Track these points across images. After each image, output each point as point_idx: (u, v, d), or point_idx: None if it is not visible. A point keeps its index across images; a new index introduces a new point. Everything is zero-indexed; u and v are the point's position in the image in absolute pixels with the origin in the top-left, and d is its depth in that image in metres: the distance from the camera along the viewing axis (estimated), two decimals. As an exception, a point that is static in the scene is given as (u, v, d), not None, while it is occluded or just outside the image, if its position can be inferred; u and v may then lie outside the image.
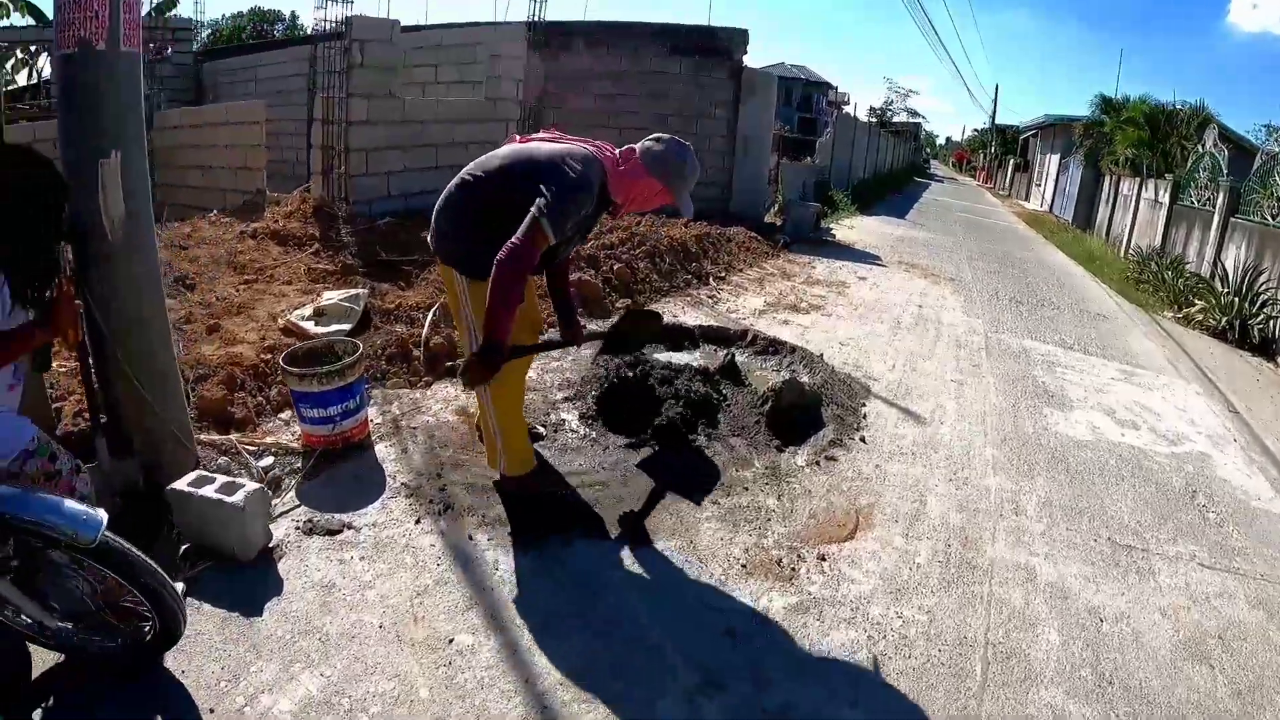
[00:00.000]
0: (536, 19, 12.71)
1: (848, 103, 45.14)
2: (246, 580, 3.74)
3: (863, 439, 5.66)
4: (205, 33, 41.82)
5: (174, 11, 24.37)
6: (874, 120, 48.07)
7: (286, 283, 7.54)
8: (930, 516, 4.77)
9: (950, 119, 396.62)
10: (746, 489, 4.80)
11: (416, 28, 16.05)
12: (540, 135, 4.24)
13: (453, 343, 6.57)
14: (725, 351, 6.69)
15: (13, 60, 24.43)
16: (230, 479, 4.04)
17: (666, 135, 4.14)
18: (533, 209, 3.63)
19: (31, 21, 21.67)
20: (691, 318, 8.32)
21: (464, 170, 4.10)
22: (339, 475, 4.74)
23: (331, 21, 9.59)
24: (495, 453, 4.38)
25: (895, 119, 58.32)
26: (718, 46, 15.70)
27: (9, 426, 3.04)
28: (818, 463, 5.20)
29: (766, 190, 17.12)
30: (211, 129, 12.23)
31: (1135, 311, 12.96)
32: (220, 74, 20.20)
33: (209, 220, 9.86)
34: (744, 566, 4.05)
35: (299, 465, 4.89)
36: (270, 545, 4.01)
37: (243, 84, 18.71)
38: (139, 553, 2.84)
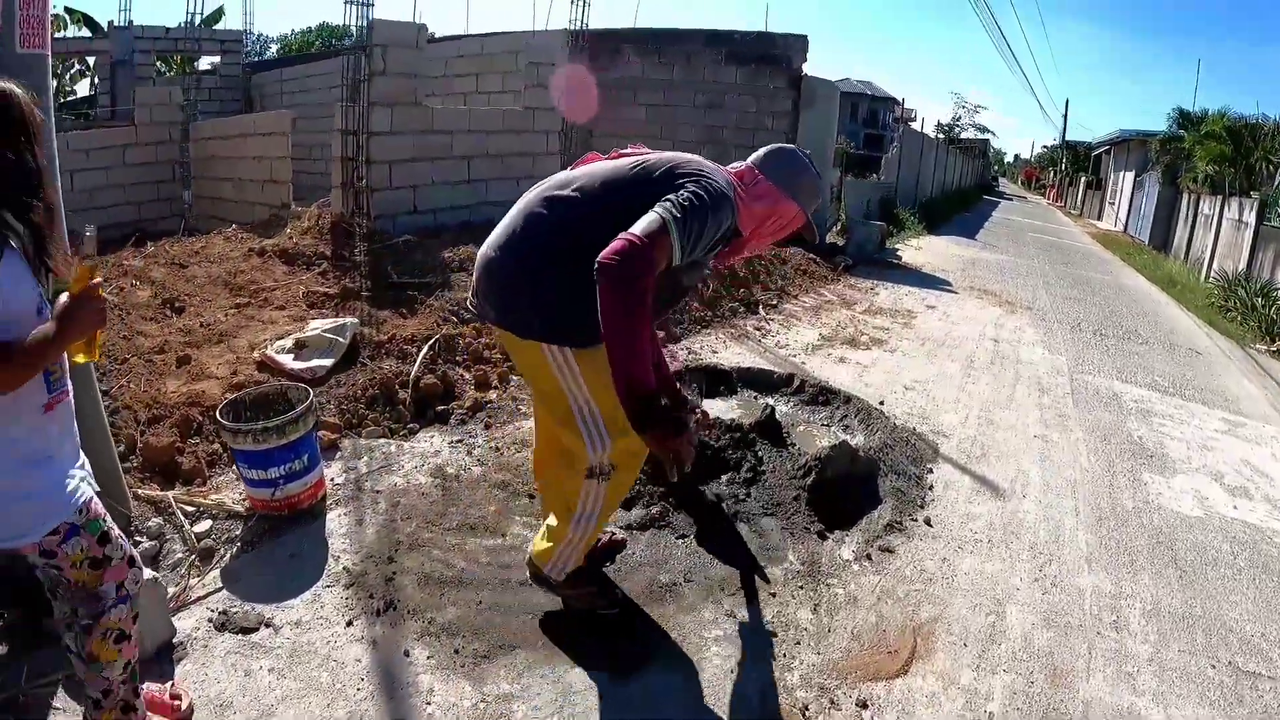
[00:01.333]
0: (581, 26, 11.83)
1: (914, 118, 43.86)
2: None
3: (927, 521, 4.57)
4: (274, 48, 41.76)
5: (222, 23, 24.48)
6: (941, 136, 46.53)
7: (280, 307, 6.75)
8: (1009, 635, 3.69)
9: (1019, 134, 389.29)
10: (774, 594, 3.76)
11: (457, 37, 15.30)
12: (632, 150, 3.12)
13: (447, 381, 5.70)
14: (764, 403, 5.56)
15: (71, 71, 24.74)
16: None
17: (783, 145, 3.23)
18: (658, 207, 2.62)
19: (88, 33, 21.80)
20: (732, 355, 7.35)
21: (536, 193, 2.99)
22: (276, 550, 3.95)
23: (354, 25, 8.78)
24: (555, 552, 3.25)
25: (963, 135, 56.57)
26: (776, 54, 14.61)
27: (48, 482, 2.25)
28: (869, 556, 4.12)
29: (828, 208, 15.96)
30: (240, 140, 11.61)
31: (1230, 346, 11.65)
32: (267, 86, 19.78)
33: (224, 235, 9.17)
34: (759, 720, 3.02)
35: (239, 532, 4.08)
36: (172, 641, 3.28)
37: (288, 95, 18.21)
38: None
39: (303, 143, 15.82)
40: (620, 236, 2.50)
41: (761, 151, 3.21)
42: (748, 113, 14.76)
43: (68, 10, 24.22)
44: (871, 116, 58.87)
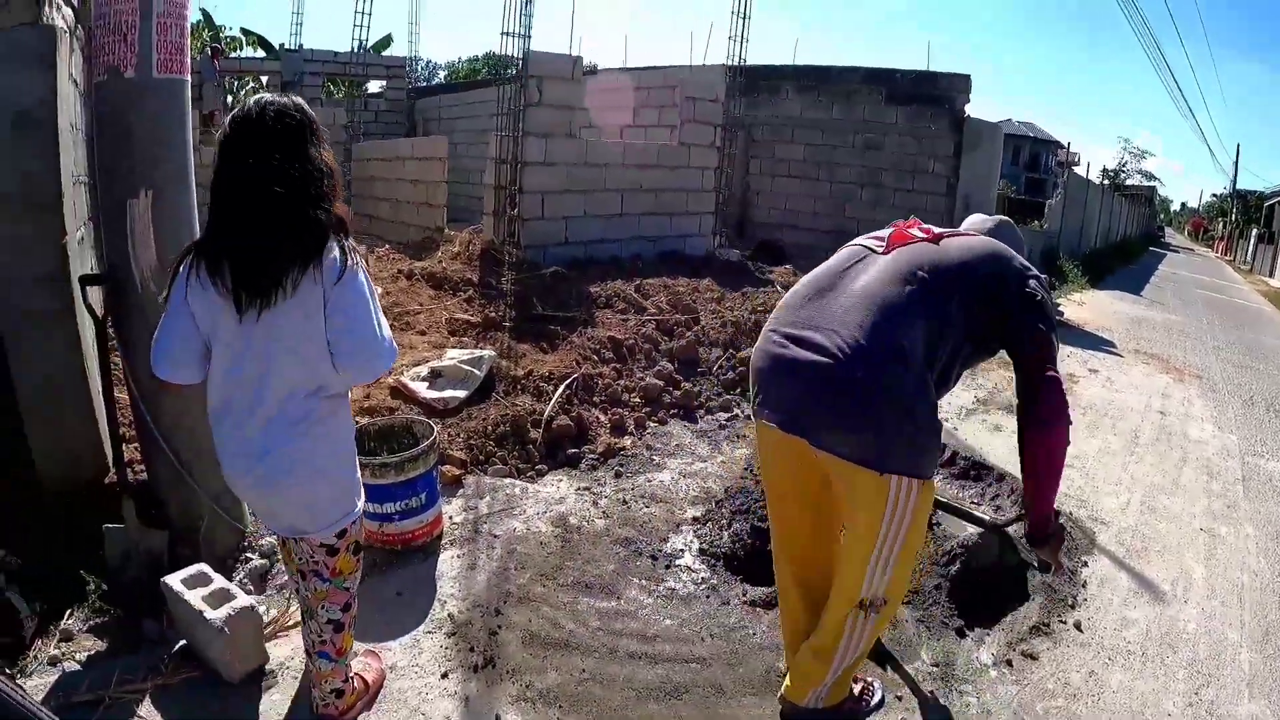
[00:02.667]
0: (738, 61, 11.67)
1: (1078, 162, 41.98)
2: (222, 708, 3.07)
3: (1077, 625, 4.06)
4: (442, 74, 43.15)
5: (390, 49, 25.35)
6: (1106, 182, 44.37)
7: (421, 333, 6.78)
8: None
9: (1185, 180, 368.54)
10: (900, 697, 3.38)
11: (617, 70, 15.39)
12: (917, 228, 2.76)
13: (582, 423, 5.57)
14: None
15: (246, 89, 26.02)
16: (224, 586, 3.34)
17: (1006, 218, 3.07)
18: (1040, 322, 2.49)
19: (262, 54, 22.85)
20: None
21: (865, 281, 2.53)
22: (383, 586, 3.89)
23: (511, 57, 8.83)
24: (814, 680, 2.83)
25: (1128, 181, 53.85)
26: (937, 94, 14.11)
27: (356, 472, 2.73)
28: (1009, 661, 3.68)
29: None
30: (399, 163, 12.01)
31: None
32: (429, 111, 20.44)
33: (376, 255, 9.36)
34: None
35: None
36: (264, 668, 3.26)
37: (449, 121, 18.77)
38: (13, 687, 2.06)
39: (461, 167, 16.19)
40: (1044, 370, 2.43)
41: (991, 221, 2.99)
42: (908, 154, 14.31)
43: (244, 31, 25.97)
44: (1033, 160, 56.78)
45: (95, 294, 3.87)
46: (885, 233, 2.74)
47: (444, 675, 3.24)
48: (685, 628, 3.64)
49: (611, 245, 9.86)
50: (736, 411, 6.37)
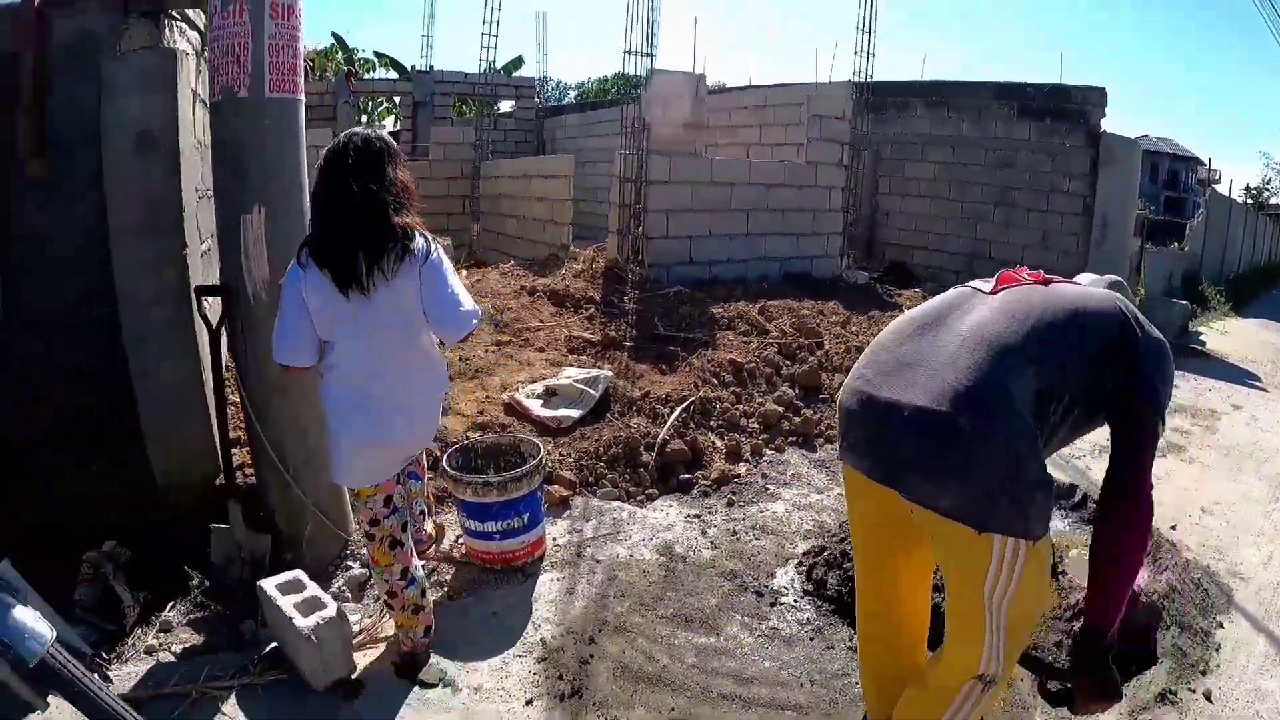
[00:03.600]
0: (865, 78, 11.39)
1: (1218, 180, 39.27)
2: (303, 714, 3.13)
3: (1207, 695, 3.60)
4: (572, 94, 43.69)
5: (522, 70, 25.83)
6: (1249, 201, 41.42)
7: (540, 349, 6.76)
8: None
9: None
10: None
11: (743, 88, 15.18)
12: (1029, 275, 2.46)
13: (697, 448, 5.45)
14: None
15: (380, 109, 26.85)
16: (317, 594, 3.39)
17: (1118, 278, 2.77)
18: (1138, 397, 2.21)
19: (395, 75, 23.60)
20: None
21: (975, 321, 2.27)
22: (478, 604, 3.88)
23: (635, 75, 8.81)
24: None
25: (1272, 200, 49.99)
26: (1071, 108, 13.30)
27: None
28: None
29: (1127, 284, 14.44)
30: (526, 180, 12.15)
31: None
32: (558, 129, 20.71)
33: (501, 270, 9.45)
34: None
35: (448, 577, 4.06)
36: (351, 677, 3.27)
37: (575, 140, 18.97)
38: (91, 680, 2.51)
39: (587, 185, 16.30)
40: (1135, 456, 2.18)
41: (1105, 280, 2.69)
42: (1041, 172, 13.52)
43: (376, 54, 26.84)
44: (1172, 178, 53.58)
45: (212, 304, 3.96)
46: (993, 278, 2.48)
47: (528, 702, 3.17)
48: (785, 671, 3.45)
49: (736, 265, 9.73)
50: (858, 441, 6.17)
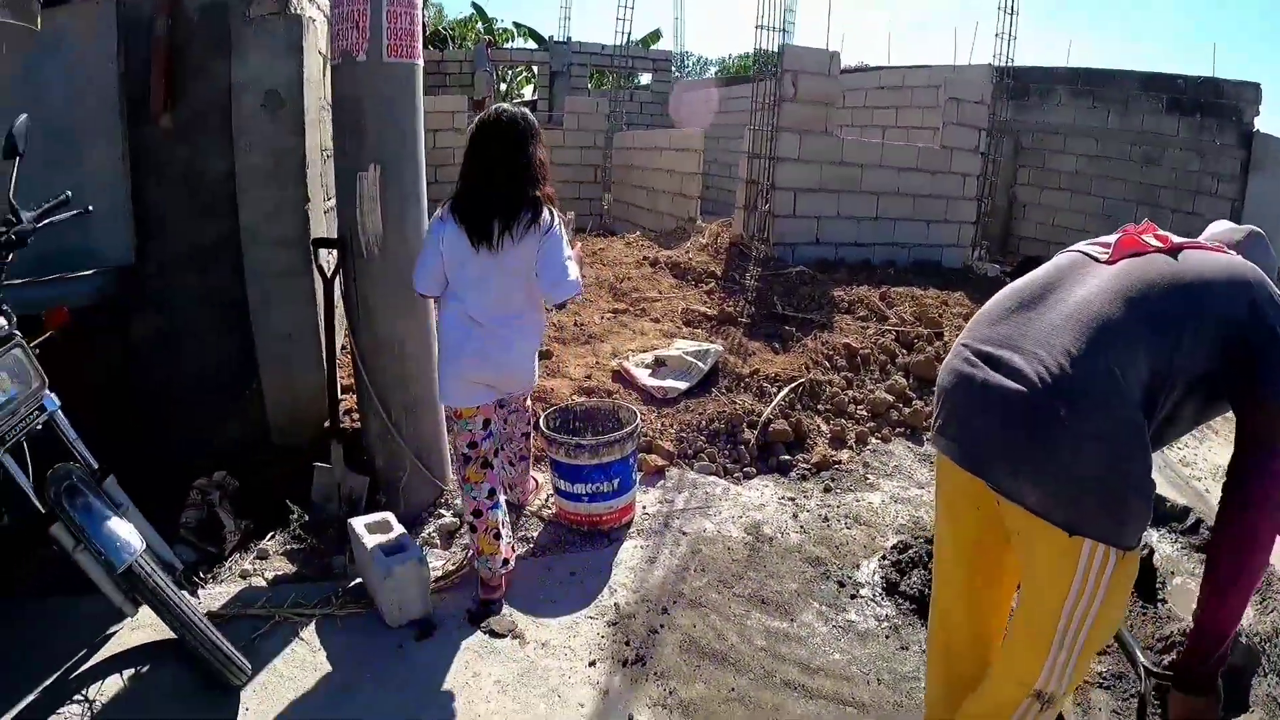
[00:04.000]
0: (1006, 62, 10.92)
1: None
2: (374, 648, 3.28)
3: None
4: (713, 70, 43.27)
5: (661, 43, 25.79)
6: None
7: (655, 320, 6.76)
8: None
9: None
10: None
11: (879, 68, 14.72)
12: (1150, 233, 2.17)
13: (800, 430, 5.37)
14: (1144, 540, 4.32)
15: (519, 78, 27.17)
16: (401, 536, 3.56)
17: (1258, 230, 2.33)
18: (1265, 390, 1.91)
19: (534, 45, 23.93)
20: None
21: (1084, 294, 2.04)
22: (559, 563, 3.95)
23: (767, 51, 8.64)
24: None
25: None
26: (1222, 104, 12.41)
27: None
28: None
29: None
30: (656, 153, 12.10)
31: None
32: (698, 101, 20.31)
33: (626, 240, 9.48)
34: None
35: (536, 534, 4.19)
36: (424, 617, 3.42)
37: (716, 114, 18.52)
38: (174, 591, 2.78)
39: (718, 160, 16.14)
40: (1268, 444, 1.89)
41: (1241, 232, 2.31)
42: (1189, 171, 12.65)
43: (515, 25, 27.45)
44: None
45: (328, 256, 4.09)
46: (1112, 238, 2.20)
47: (591, 663, 3.20)
48: (854, 666, 3.36)
49: (863, 249, 9.51)
50: (969, 438, 5.99)
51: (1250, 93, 12.29)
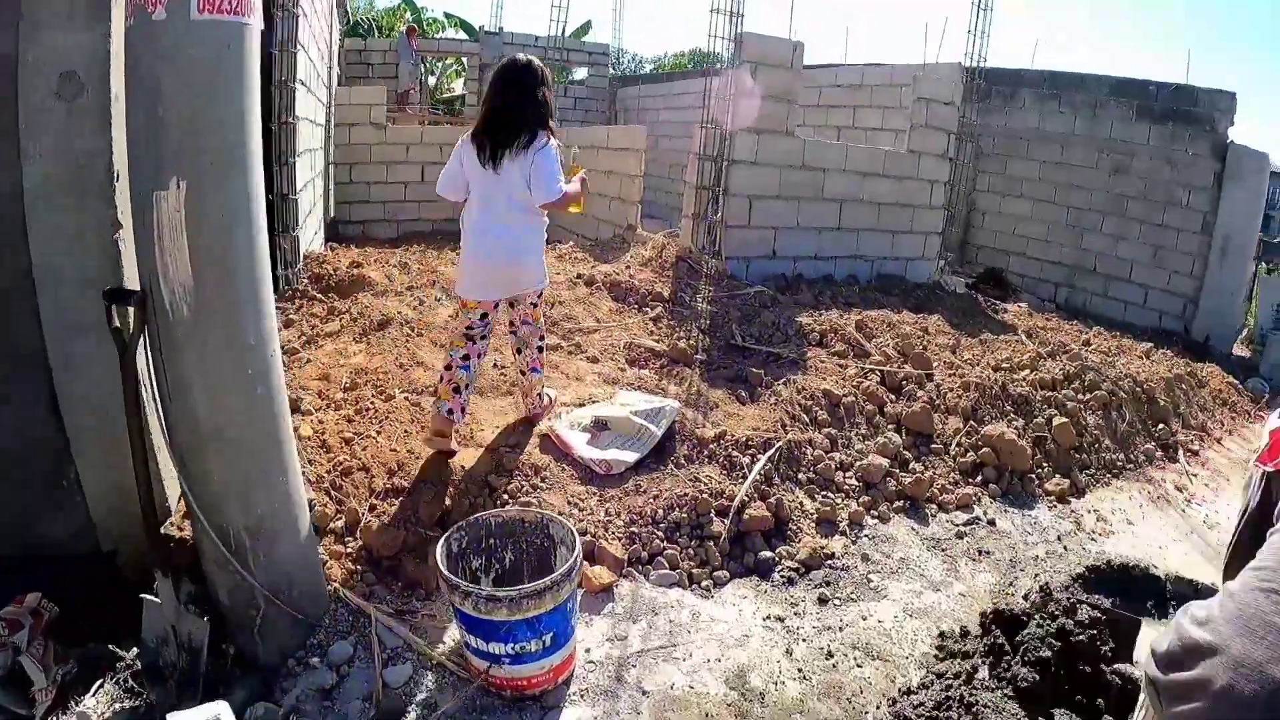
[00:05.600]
0: (978, 61, 9.85)
1: None
2: None
3: None
4: (649, 68, 41.57)
5: (590, 36, 24.45)
6: None
7: (593, 359, 5.52)
8: None
9: None
10: None
11: (836, 65, 13.52)
12: None
13: (781, 513, 4.19)
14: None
15: (448, 71, 25.67)
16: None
17: None
18: None
19: (465, 36, 22.53)
20: (1151, 532, 5.18)
21: None
22: None
23: (720, 39, 7.40)
24: None
25: None
26: (1196, 112, 11.55)
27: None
28: None
29: (1240, 310, 12.64)
30: (593, 152, 10.56)
31: None
32: (631, 100, 19.22)
33: (558, 253, 8.16)
34: None
35: (442, 697, 2.88)
36: None
37: (652, 112, 17.47)
38: None
39: (661, 161, 14.94)
40: None
41: None
42: (1158, 181, 11.81)
43: (446, 15, 25.93)
44: None
45: (126, 313, 2.73)
46: None
47: None
48: None
49: (824, 263, 8.38)
50: (977, 511, 4.80)
51: (1224, 101, 11.38)
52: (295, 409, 4.54)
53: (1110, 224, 12.21)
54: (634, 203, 9.46)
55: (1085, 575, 4.39)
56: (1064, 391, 6.14)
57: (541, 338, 4.42)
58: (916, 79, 9.06)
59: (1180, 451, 6.58)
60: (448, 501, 3.85)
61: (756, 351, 5.92)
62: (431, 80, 25.45)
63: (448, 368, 4.14)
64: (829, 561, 4.04)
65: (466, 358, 4.14)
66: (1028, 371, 6.28)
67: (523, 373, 4.45)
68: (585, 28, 25.31)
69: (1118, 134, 12.16)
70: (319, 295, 6.53)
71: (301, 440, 4.17)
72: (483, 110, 4.06)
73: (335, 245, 10.27)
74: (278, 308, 6.67)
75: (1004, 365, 6.33)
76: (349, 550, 3.58)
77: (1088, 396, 6.20)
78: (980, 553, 4.43)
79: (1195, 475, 6.35)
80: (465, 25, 24.21)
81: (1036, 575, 4.28)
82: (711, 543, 3.89)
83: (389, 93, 17.59)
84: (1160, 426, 6.65)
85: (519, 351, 4.42)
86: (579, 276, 7.05)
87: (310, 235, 7.82)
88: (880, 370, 5.72)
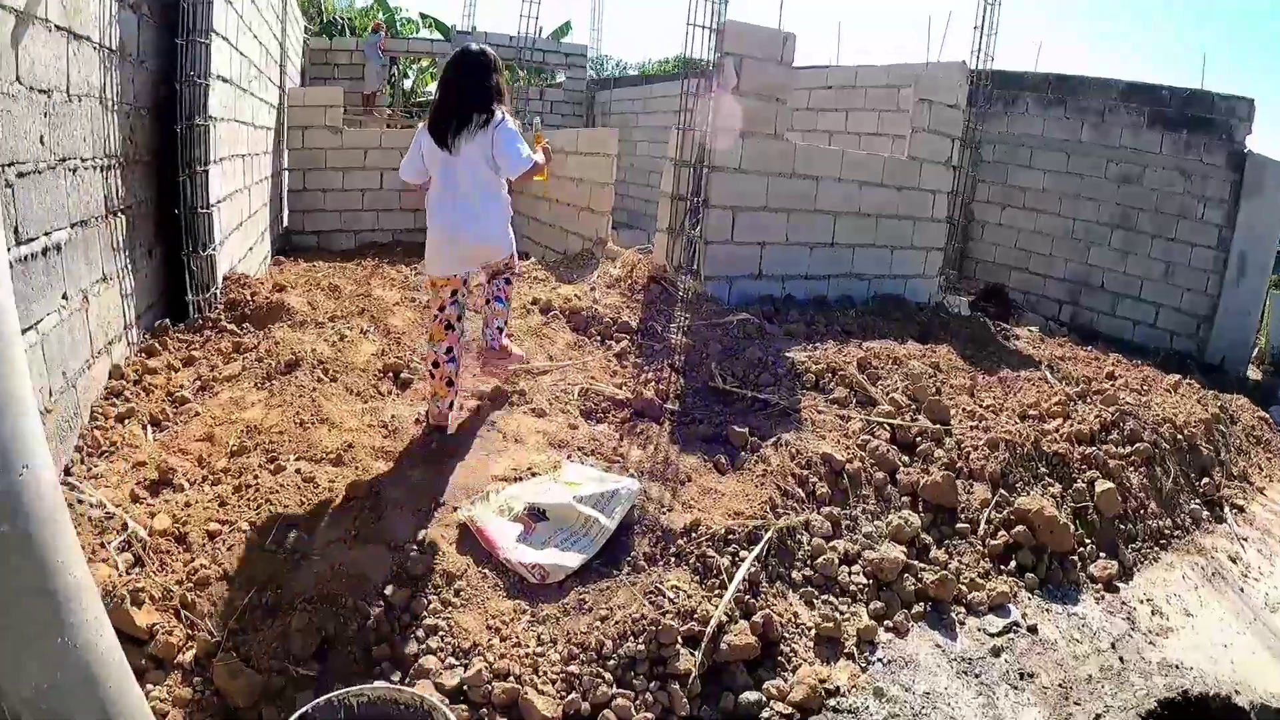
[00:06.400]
0: (986, 61, 8.83)
1: None
2: None
3: None
4: (632, 73, 40.28)
5: (569, 37, 23.29)
6: None
7: (539, 413, 4.48)
8: None
9: None
10: None
11: (824, 67, 12.37)
12: None
13: (769, 633, 3.24)
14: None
15: (424, 72, 24.48)
16: None
17: None
18: None
19: (439, 36, 21.53)
20: (1210, 624, 4.19)
21: None
22: None
23: (702, 27, 6.31)
24: None
25: None
26: (1211, 119, 10.55)
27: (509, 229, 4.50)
28: None
29: (1247, 329, 11.56)
30: (561, 157, 9.10)
31: None
32: (608, 104, 18.13)
33: (515, 273, 7.03)
34: None
35: None
36: None
37: (631, 116, 16.37)
38: None
39: (638, 167, 13.92)
40: None
41: None
42: (1171, 193, 10.82)
43: (421, 15, 24.53)
44: None
45: None
46: None
47: None
48: None
49: (817, 283, 7.37)
50: (1014, 614, 3.75)
51: (1242, 108, 10.36)
52: (166, 483, 3.55)
53: (1119, 238, 11.21)
54: (604, 213, 8.35)
55: (1157, 713, 3.38)
56: (1104, 447, 5.11)
57: (510, 282, 4.52)
58: (919, 79, 8.03)
59: (1226, 508, 5.57)
60: (330, 628, 2.81)
61: (740, 396, 4.88)
62: (407, 83, 24.31)
63: (435, 364, 4.14)
64: (832, 702, 3.01)
65: (450, 350, 4.16)
66: (1060, 422, 5.24)
67: (487, 302, 4.48)
68: (564, 29, 24.19)
69: (1127, 142, 11.20)
70: (231, 326, 5.43)
71: (153, 537, 3.13)
72: (437, 96, 4.17)
73: (281, 259, 9.25)
74: (182, 340, 5.59)
75: (1031, 413, 5.28)
76: (197, 695, 2.56)
77: (1128, 450, 5.17)
78: (1022, 676, 3.41)
79: (1246, 540, 5.34)
80: (440, 26, 22.93)
81: (1098, 717, 3.26)
82: (676, 685, 2.83)
83: (359, 95, 16.50)
84: (1205, 481, 5.61)
85: (489, 281, 4.45)
86: (534, 302, 5.99)
87: (236, 253, 6.72)
88: (889, 423, 4.68)
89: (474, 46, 4.09)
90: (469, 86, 3.97)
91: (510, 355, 4.53)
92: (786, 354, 5.51)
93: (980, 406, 5.31)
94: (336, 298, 6.32)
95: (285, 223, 10.45)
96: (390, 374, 4.85)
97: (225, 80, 6.19)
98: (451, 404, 4.18)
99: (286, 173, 10.36)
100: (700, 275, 6.56)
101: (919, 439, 4.60)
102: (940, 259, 8.54)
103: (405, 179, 4.25)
